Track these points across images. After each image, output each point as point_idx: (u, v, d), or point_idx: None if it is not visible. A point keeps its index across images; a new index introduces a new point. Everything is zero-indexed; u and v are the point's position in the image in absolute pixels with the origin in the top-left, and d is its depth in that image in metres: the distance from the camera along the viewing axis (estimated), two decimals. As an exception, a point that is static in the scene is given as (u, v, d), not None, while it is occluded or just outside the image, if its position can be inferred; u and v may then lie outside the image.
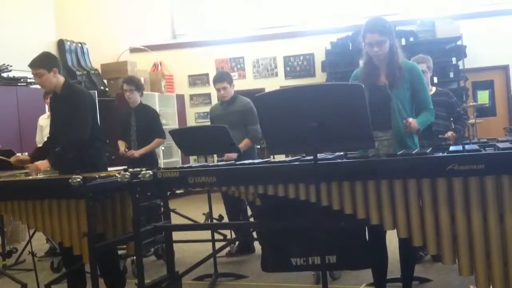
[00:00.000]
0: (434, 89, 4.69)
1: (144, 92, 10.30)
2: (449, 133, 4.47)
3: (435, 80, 8.82)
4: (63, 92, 4.04)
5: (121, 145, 5.67)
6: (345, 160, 2.92)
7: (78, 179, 3.17)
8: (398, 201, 2.73)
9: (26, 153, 7.12)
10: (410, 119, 3.24)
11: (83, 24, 10.31)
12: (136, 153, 5.51)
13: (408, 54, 9.36)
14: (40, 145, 6.26)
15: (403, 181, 2.72)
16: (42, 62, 3.99)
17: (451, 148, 3.07)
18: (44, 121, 6.26)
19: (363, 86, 2.60)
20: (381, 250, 3.40)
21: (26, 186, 3.68)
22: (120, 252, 4.55)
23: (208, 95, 11.31)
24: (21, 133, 7.79)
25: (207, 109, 11.31)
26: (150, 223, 3.55)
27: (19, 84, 8.19)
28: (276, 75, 10.87)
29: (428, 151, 2.90)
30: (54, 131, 4.16)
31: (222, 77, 5.26)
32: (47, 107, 6.15)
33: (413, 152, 2.88)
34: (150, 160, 5.49)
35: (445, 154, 2.76)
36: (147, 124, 5.61)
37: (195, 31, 11.78)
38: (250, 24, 11.37)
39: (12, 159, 4.28)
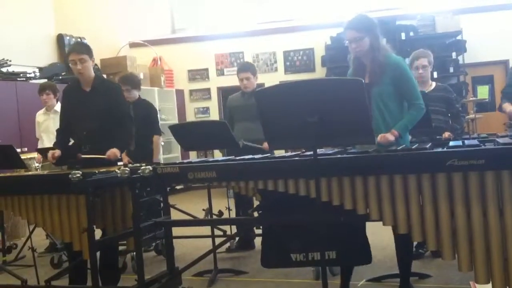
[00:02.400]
0: (434, 84, 4.68)
1: (144, 87, 10.29)
2: (446, 134, 4.44)
3: (435, 75, 8.80)
4: (97, 85, 4.08)
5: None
6: (345, 155, 2.91)
7: (78, 175, 3.16)
8: (398, 197, 2.72)
9: (26, 148, 7.12)
10: (380, 136, 3.20)
11: (83, 19, 10.27)
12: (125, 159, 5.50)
13: (408, 49, 9.36)
14: (40, 140, 6.26)
15: (403, 177, 2.71)
16: (87, 49, 4.07)
17: (451, 143, 3.06)
18: (40, 116, 6.25)
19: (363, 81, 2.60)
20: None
21: (26, 181, 3.68)
22: (120, 247, 4.56)
23: (207, 90, 11.29)
24: (21, 128, 7.78)
25: (206, 104, 11.36)
26: (150, 218, 3.56)
27: (18, 79, 8.17)
28: (276, 70, 10.85)
29: (428, 146, 2.90)
30: (76, 123, 4.12)
31: (246, 67, 5.23)
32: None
33: (413, 147, 2.88)
34: (146, 155, 5.46)
35: (445, 149, 2.75)
36: (146, 119, 5.58)
37: (194, 26, 11.76)
38: (250, 19, 11.35)
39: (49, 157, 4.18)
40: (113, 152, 3.95)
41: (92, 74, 4.10)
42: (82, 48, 4.06)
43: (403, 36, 9.54)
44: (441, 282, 3.91)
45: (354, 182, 2.80)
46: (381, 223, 2.82)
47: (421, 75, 4.55)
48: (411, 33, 9.66)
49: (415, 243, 4.39)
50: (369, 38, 3.33)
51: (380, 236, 5.10)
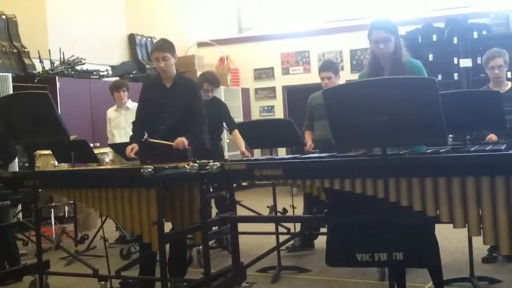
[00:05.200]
0: (510, 84, 4.51)
1: (211, 86, 10.39)
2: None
3: (509, 75, 8.47)
4: (178, 81, 4.18)
5: None
6: (415, 155, 2.87)
7: (150, 169, 3.26)
8: (470, 199, 2.65)
9: (98, 144, 7.38)
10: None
11: (153, 19, 10.55)
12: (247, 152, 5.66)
13: (480, 48, 9.01)
14: (111, 136, 6.47)
15: (475, 179, 2.64)
16: (170, 47, 4.14)
17: (527, 145, 2.96)
18: (112, 113, 6.44)
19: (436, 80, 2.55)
20: None
21: (99, 175, 3.82)
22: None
23: (273, 89, 11.34)
24: (93, 124, 8.08)
25: (271, 102, 11.41)
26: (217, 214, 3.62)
27: (91, 77, 8.48)
28: (342, 69, 10.71)
29: (502, 147, 2.81)
30: (154, 117, 4.20)
31: (328, 67, 5.16)
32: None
33: (487, 148, 2.80)
34: (216, 151, 5.55)
35: (521, 151, 2.66)
36: (219, 117, 5.67)
37: (261, 25, 11.83)
38: (316, 17, 11.30)
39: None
40: (181, 140, 3.96)
41: (174, 71, 4.18)
42: (165, 46, 4.12)
43: (475, 35, 9.23)
44: (513, 288, 3.79)
45: (424, 183, 2.74)
46: (448, 225, 2.76)
47: (497, 75, 4.41)
48: (484, 32, 9.33)
49: (488, 247, 4.27)
50: (395, 40, 3.32)
51: (448, 239, 5.00)
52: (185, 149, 3.97)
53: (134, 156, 4.11)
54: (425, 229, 3.18)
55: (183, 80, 4.23)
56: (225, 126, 5.94)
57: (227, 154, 10.08)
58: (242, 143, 5.61)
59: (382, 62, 3.39)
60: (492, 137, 4.06)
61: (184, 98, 4.12)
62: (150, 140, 3.95)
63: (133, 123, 4.37)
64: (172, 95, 4.14)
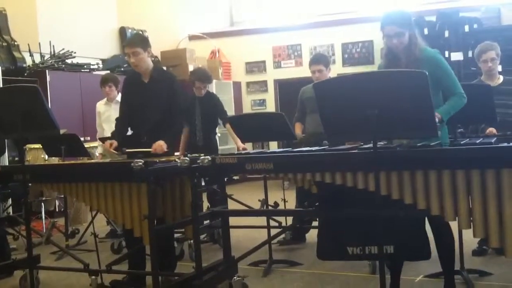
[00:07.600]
0: (502, 78, 4.52)
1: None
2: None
3: (500, 68, 8.48)
4: (156, 76, 4.11)
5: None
6: (405, 148, 2.87)
7: (140, 163, 3.24)
8: (460, 192, 2.66)
9: (89, 137, 7.35)
10: None
11: (144, 12, 10.49)
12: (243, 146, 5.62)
13: (472, 42, 9.02)
14: (100, 129, 6.44)
15: (466, 172, 2.65)
16: (140, 41, 4.10)
17: (517, 138, 2.97)
18: (101, 107, 6.41)
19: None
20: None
21: (90, 169, 3.80)
22: (177, 235, 4.66)
23: (264, 83, 11.32)
24: (84, 118, 8.04)
25: (263, 96, 11.39)
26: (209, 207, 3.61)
27: (82, 70, 8.43)
28: (334, 62, 10.71)
29: (493, 141, 2.82)
30: (135, 114, 4.17)
31: (318, 59, 5.06)
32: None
33: (477, 141, 2.81)
34: (211, 146, 5.55)
35: (511, 144, 2.67)
36: (213, 112, 5.65)
37: (252, 18, 11.80)
38: (307, 11, 11.28)
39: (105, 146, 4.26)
40: (160, 145, 3.95)
41: (149, 65, 4.11)
42: (135, 41, 4.10)
43: (466, 28, 9.25)
44: (503, 280, 3.80)
45: (415, 176, 2.75)
46: (440, 218, 2.77)
47: (490, 68, 4.42)
48: (475, 26, 9.35)
49: (478, 239, 4.29)
50: (409, 32, 3.30)
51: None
52: (165, 152, 3.94)
53: (113, 151, 4.11)
54: (416, 222, 3.19)
55: (161, 74, 4.18)
56: (220, 122, 5.93)
57: (218, 148, 10.08)
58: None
59: (398, 54, 3.35)
60: (492, 130, 4.07)
61: (164, 93, 4.08)
62: (128, 150, 3.92)
63: (117, 119, 4.37)
64: (151, 92, 4.09)
